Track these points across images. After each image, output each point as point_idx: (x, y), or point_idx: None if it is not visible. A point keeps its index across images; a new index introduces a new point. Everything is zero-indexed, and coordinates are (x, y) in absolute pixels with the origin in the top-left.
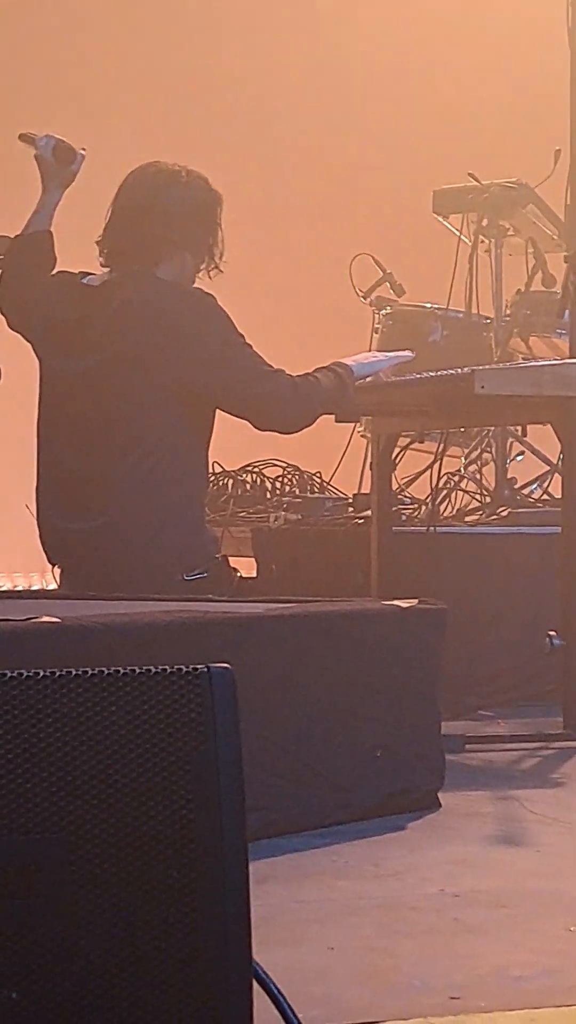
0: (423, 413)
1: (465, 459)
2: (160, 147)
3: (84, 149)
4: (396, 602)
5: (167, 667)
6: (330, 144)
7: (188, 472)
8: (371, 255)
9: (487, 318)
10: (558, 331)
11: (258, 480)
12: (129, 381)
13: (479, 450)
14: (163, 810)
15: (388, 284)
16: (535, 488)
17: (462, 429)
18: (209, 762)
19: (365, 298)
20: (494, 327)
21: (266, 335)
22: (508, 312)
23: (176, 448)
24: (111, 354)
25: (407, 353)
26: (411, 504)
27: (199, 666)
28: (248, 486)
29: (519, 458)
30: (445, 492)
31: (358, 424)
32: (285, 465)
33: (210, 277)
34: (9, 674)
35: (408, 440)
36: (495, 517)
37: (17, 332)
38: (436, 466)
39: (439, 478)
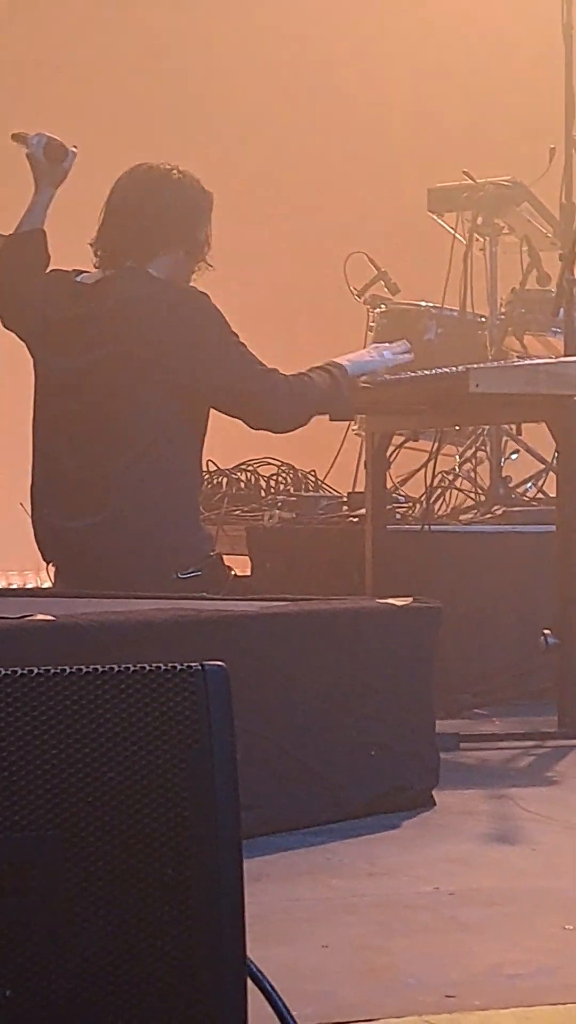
0: (418, 411)
1: (460, 457)
2: (153, 145)
3: (76, 147)
4: (390, 600)
5: (161, 665)
6: (324, 143)
7: (182, 471)
8: (366, 253)
9: (482, 316)
10: (553, 329)
11: (253, 478)
12: (123, 380)
13: (474, 449)
14: (158, 808)
15: (383, 282)
16: (530, 487)
17: (457, 428)
18: (204, 760)
19: (360, 296)
20: (489, 325)
21: (260, 334)
22: (503, 310)
23: (170, 447)
24: (106, 353)
25: (403, 350)
26: (406, 503)
27: (193, 664)
28: (243, 484)
29: (514, 456)
30: (440, 491)
31: (353, 423)
32: (280, 463)
33: (196, 271)
34: (3, 672)
35: (403, 439)
36: (490, 516)
37: (11, 331)
38: (431, 465)
39: (434, 476)
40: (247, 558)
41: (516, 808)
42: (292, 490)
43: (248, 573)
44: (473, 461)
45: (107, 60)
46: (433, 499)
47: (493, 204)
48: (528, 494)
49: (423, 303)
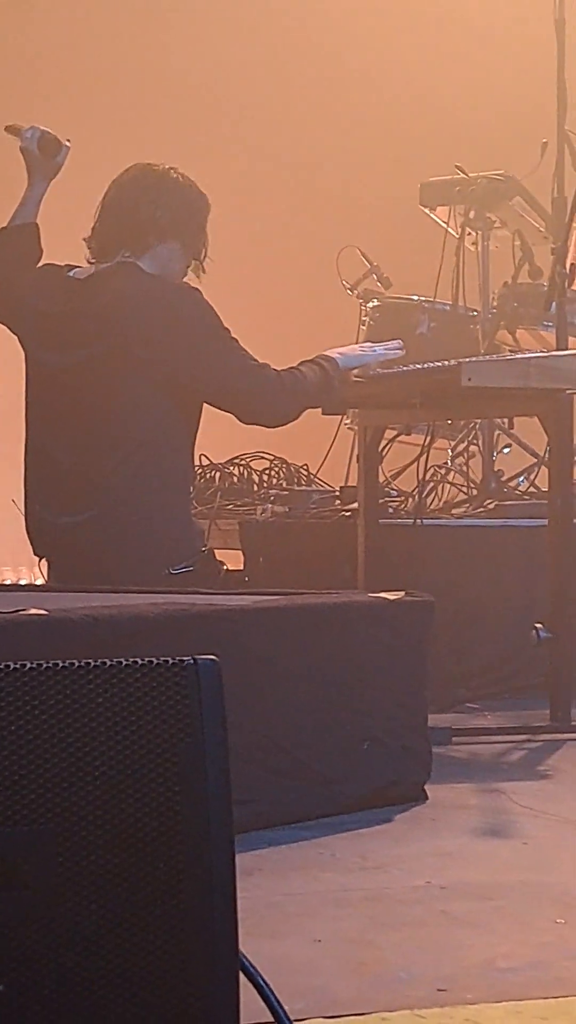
0: (410, 405)
1: (452, 451)
2: (147, 139)
3: (69, 141)
4: (383, 594)
5: (154, 659)
6: (316, 137)
7: (175, 466)
8: (358, 248)
9: (474, 311)
10: (545, 323)
11: (245, 473)
12: (116, 375)
13: (466, 443)
14: (150, 802)
15: (375, 277)
16: (522, 481)
17: (449, 422)
18: (196, 754)
19: (352, 291)
20: (481, 319)
21: (253, 329)
22: (495, 304)
23: (163, 441)
24: (98, 348)
25: (396, 347)
26: (398, 497)
27: (186, 658)
28: (235, 479)
29: (506, 450)
30: (432, 485)
31: (345, 416)
32: (272, 458)
33: (199, 278)
34: None
35: (395, 433)
36: (482, 510)
37: (3, 324)
38: (423, 459)
39: (426, 470)
40: (240, 552)
41: (508, 802)
42: (284, 484)
43: (241, 567)
44: (465, 455)
45: (102, 55)
46: (425, 493)
47: (485, 198)
48: (520, 488)
49: (415, 297)
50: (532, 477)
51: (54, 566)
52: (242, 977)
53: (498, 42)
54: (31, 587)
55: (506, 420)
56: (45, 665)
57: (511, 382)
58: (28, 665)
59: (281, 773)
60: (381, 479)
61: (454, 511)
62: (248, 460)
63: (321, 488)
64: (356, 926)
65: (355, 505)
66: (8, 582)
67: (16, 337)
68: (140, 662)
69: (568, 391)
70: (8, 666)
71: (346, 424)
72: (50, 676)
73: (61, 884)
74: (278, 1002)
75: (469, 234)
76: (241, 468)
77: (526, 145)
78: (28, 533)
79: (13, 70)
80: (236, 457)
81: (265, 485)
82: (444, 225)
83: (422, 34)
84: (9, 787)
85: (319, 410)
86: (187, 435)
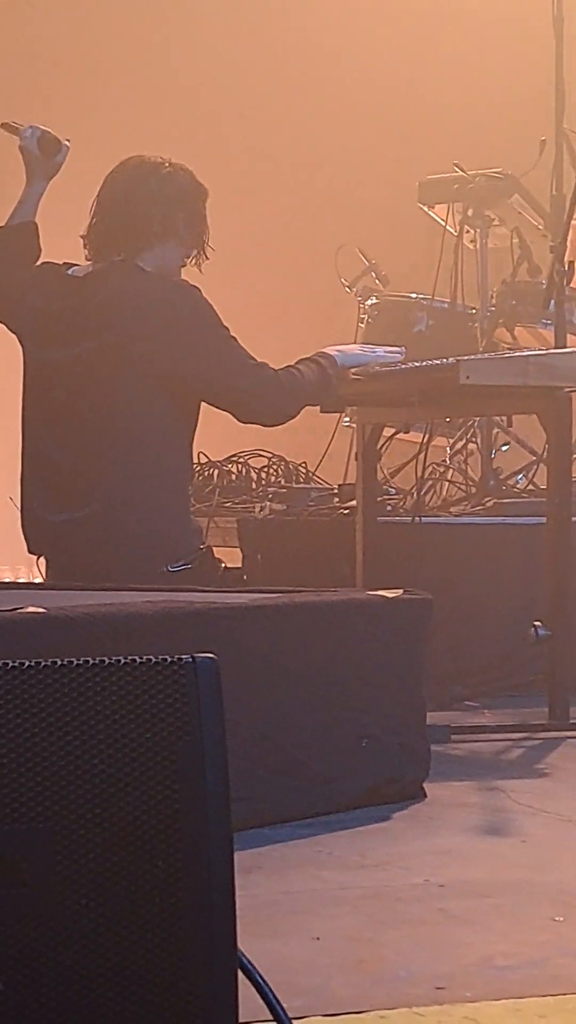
0: (408, 403)
1: (450, 449)
2: (147, 139)
3: (69, 140)
4: (381, 592)
5: (152, 657)
6: (316, 136)
7: (173, 463)
8: (356, 246)
9: (472, 308)
10: (543, 321)
11: (243, 470)
12: (114, 373)
13: (464, 440)
14: (148, 800)
15: (373, 274)
16: (520, 478)
17: (447, 419)
18: (194, 752)
19: (351, 288)
20: (479, 317)
21: (251, 327)
22: (493, 302)
23: (161, 439)
24: (96, 346)
25: (397, 352)
26: (396, 495)
27: (184, 656)
28: (233, 476)
29: (504, 448)
30: (430, 482)
31: (343, 414)
32: (270, 455)
33: (200, 270)
34: None
35: (394, 430)
36: (480, 507)
37: (1, 323)
38: (421, 456)
39: (424, 468)
40: (238, 550)
41: (507, 800)
42: (283, 482)
43: (239, 565)
44: (464, 453)
45: (102, 54)
46: (424, 491)
47: (484, 196)
48: (519, 486)
49: (414, 295)
50: (531, 475)
51: (52, 564)
52: (240, 975)
53: (496, 40)
54: (29, 585)
55: (505, 418)
56: (43, 663)
57: (509, 380)
58: (26, 663)
59: (279, 771)
60: (380, 477)
61: (452, 509)
62: (247, 458)
63: (320, 486)
64: (354, 924)
65: (353, 503)
66: (7, 581)
67: (14, 335)
68: (138, 660)
69: (567, 389)
70: (6, 664)
71: (345, 422)
72: (48, 674)
73: (59, 882)
74: (276, 1000)
75: (467, 232)
76: (239, 466)
77: (524, 143)
78: (24, 531)
79: (12, 69)
80: (234, 455)
81: (263, 483)
82: (443, 223)
83: (420, 32)
84: (7, 785)
85: (318, 408)
86: (185, 433)
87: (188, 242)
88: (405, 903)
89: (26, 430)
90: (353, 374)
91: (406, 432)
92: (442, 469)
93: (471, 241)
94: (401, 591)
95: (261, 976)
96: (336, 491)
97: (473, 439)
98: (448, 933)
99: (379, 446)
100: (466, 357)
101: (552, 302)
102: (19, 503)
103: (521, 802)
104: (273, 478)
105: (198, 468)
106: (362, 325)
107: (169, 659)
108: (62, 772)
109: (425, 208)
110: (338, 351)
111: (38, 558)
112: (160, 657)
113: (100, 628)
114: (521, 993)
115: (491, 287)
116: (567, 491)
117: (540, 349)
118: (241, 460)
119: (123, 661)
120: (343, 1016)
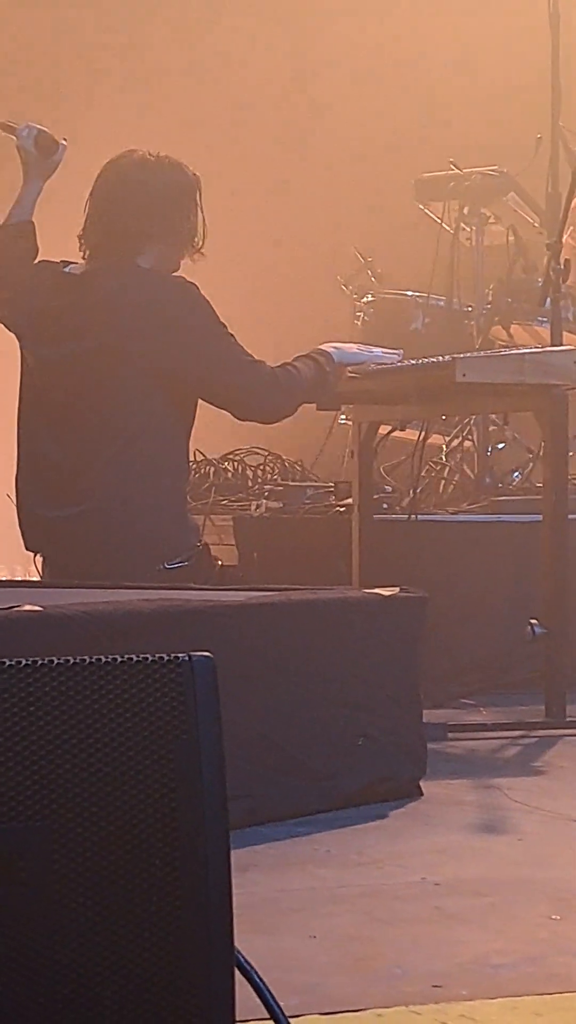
0: (405, 401)
1: (447, 447)
2: (145, 138)
3: (66, 139)
4: (377, 590)
5: (148, 656)
6: (312, 132)
7: (169, 461)
8: (352, 243)
9: (468, 306)
10: (539, 319)
11: (240, 468)
12: (111, 370)
13: (461, 438)
14: (145, 799)
15: (369, 272)
16: (517, 476)
17: (444, 417)
18: (191, 751)
19: (347, 286)
20: (475, 315)
21: (248, 324)
22: (489, 300)
23: (157, 436)
24: (93, 343)
25: (395, 353)
26: (392, 492)
27: (180, 655)
28: (230, 474)
29: (500, 446)
30: (427, 480)
31: (340, 412)
32: (267, 453)
33: (192, 261)
34: None
35: (390, 428)
36: (476, 505)
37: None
38: (417, 454)
39: (420, 466)
40: (234, 548)
41: (503, 798)
42: (279, 480)
43: (235, 563)
44: (460, 451)
45: (101, 53)
46: (420, 489)
47: (480, 194)
48: (515, 484)
49: (410, 293)
50: (527, 473)
51: (49, 561)
52: (237, 973)
53: (492, 38)
54: (26, 583)
55: (501, 415)
56: (40, 662)
57: (506, 378)
58: (23, 662)
59: (276, 769)
60: (376, 475)
61: (449, 507)
62: (243, 455)
63: (316, 484)
64: (351, 922)
65: (350, 501)
66: (4, 579)
67: (12, 333)
68: (135, 658)
69: (563, 387)
70: (2, 663)
71: (341, 419)
72: (45, 673)
73: (56, 881)
74: (273, 998)
75: (463, 230)
76: (236, 463)
77: (520, 141)
78: (20, 527)
79: (11, 69)
80: (231, 452)
81: (260, 480)
82: (439, 221)
83: (417, 30)
84: (3, 784)
85: (314, 405)
86: (182, 430)
87: (185, 238)
88: (402, 901)
89: (23, 427)
90: (350, 372)
91: (402, 430)
92: (438, 467)
93: (467, 239)
94: (397, 589)
95: (258, 974)
96: (332, 489)
97: (469, 437)
98: (445, 931)
99: (375, 444)
100: (462, 355)
101: (548, 299)
102: (15, 500)
103: (518, 800)
104: (269, 476)
105: (194, 466)
106: (358, 323)
107: (166, 657)
108: (59, 771)
109: (421, 206)
110: (335, 348)
111: (35, 556)
112: (157, 655)
113: (97, 626)
114: (518, 991)
115: (487, 285)
116: (563, 489)
117: (536, 347)
118: (237, 458)
119: (120, 660)
120: (340, 1014)
